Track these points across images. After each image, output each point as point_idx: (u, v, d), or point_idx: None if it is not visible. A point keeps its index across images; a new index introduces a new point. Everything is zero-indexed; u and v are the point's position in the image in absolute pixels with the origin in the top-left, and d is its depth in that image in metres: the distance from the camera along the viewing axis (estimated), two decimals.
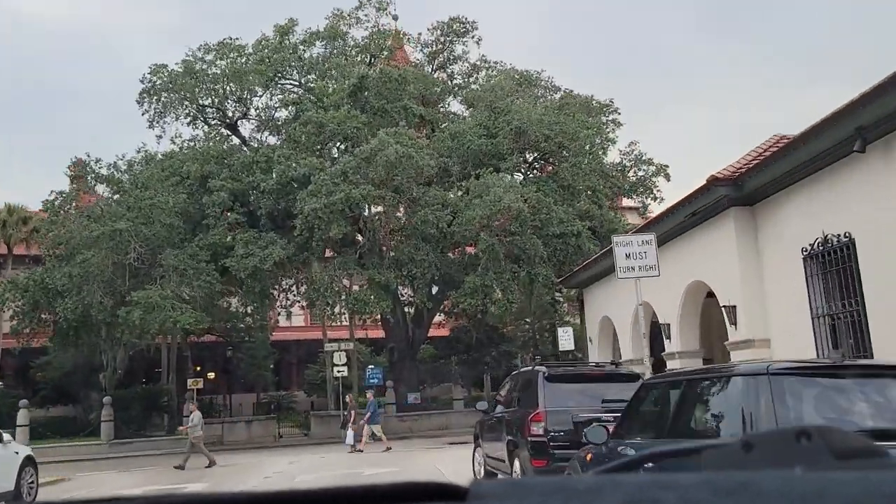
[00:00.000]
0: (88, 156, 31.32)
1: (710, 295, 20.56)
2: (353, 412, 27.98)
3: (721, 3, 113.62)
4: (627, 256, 15.43)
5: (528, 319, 45.59)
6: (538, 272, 28.63)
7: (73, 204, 31.21)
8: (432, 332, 41.77)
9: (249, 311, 50.35)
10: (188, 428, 23.57)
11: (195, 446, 23.17)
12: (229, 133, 35.69)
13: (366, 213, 29.38)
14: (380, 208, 28.42)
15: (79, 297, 27.36)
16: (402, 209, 28.92)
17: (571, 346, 22.46)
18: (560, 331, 22.44)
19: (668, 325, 20.79)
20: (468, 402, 40.09)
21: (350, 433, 26.96)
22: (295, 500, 0.77)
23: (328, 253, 30.95)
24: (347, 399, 30.48)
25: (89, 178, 30.68)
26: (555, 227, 29.18)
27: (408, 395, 38.14)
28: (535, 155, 32.92)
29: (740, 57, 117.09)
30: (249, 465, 23.91)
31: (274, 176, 29.27)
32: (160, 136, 33.91)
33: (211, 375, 50.89)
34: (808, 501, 0.65)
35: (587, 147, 32.02)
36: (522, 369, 13.16)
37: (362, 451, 25.90)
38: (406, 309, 35.71)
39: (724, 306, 17.20)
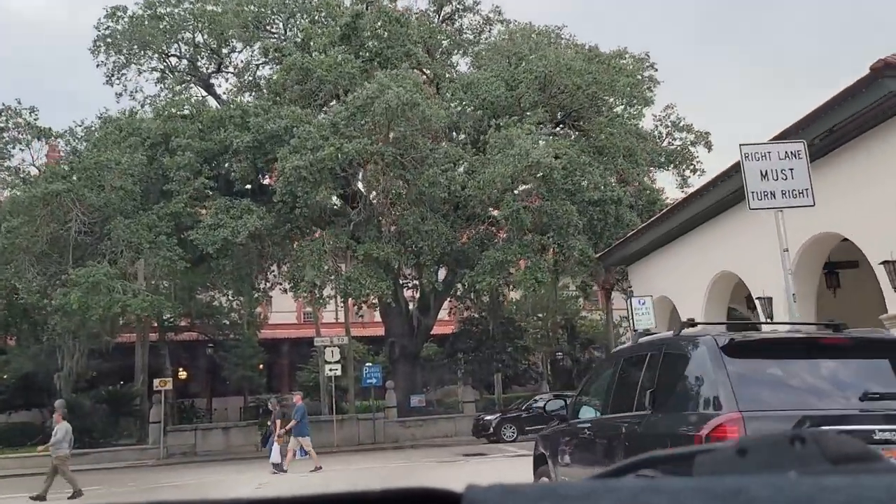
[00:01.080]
0: (19, 103, 25.35)
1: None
2: (277, 422, 21.24)
3: None
4: (763, 176, 9.62)
5: (540, 315, 39.79)
6: (573, 245, 22.84)
7: None
8: (435, 330, 36.01)
9: (235, 304, 44.95)
10: (50, 446, 17.26)
11: (59, 468, 16.88)
12: (204, 94, 29.87)
13: (361, 175, 23.38)
14: (378, 166, 22.60)
15: (2, 277, 21.53)
16: (405, 169, 23.12)
17: (651, 323, 16.61)
18: (635, 301, 16.57)
19: (769, 298, 15.01)
20: (480, 405, 34.28)
21: (275, 449, 20.52)
22: None
23: (316, 226, 25.06)
24: (270, 405, 23.52)
25: (11, 124, 24.67)
26: (590, 193, 23.42)
27: (410, 398, 32.35)
28: (562, 113, 27.05)
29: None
30: (201, 487, 18.02)
31: (250, 131, 23.46)
32: (120, 94, 28.07)
33: (183, 375, 45.01)
34: None
35: (624, 102, 26.26)
36: (649, 338, 6.95)
37: (286, 471, 19.94)
38: (410, 294, 29.83)
39: (887, 262, 11.43)
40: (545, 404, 7.21)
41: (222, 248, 22.56)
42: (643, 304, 15.96)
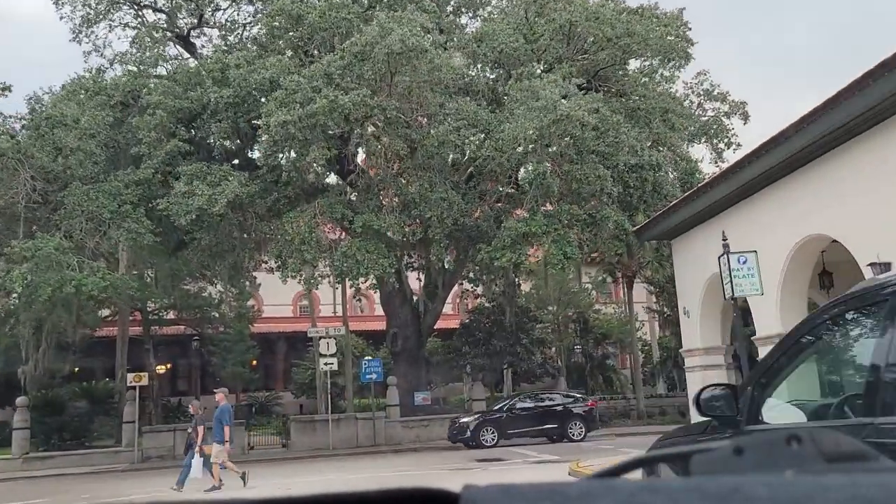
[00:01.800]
0: None
1: None
2: (200, 428, 16.47)
3: None
4: None
5: (551, 308, 36.21)
6: (606, 216, 19.26)
7: None
8: (439, 325, 32.47)
9: (225, 296, 41.40)
10: None
11: None
12: (184, 54, 26.22)
13: (358, 134, 19.68)
14: (379, 125, 18.95)
15: None
16: (410, 128, 19.48)
17: (757, 289, 12.61)
18: (734, 260, 12.46)
19: (886, 264, 11.43)
20: (490, 403, 30.67)
21: (197, 461, 15.97)
22: None
23: (307, 195, 21.37)
24: (192, 407, 18.15)
25: None
26: (626, 157, 19.84)
27: (414, 395, 28.78)
28: (588, 67, 23.35)
29: None
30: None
31: (230, 86, 19.88)
32: (89, 53, 24.46)
33: (169, 372, 41.48)
34: None
35: (660, 58, 22.66)
36: None
37: (219, 488, 15.64)
38: (415, 276, 26.27)
39: None
40: (700, 395, 4.00)
41: (197, 219, 18.97)
42: (744, 262, 12.13)
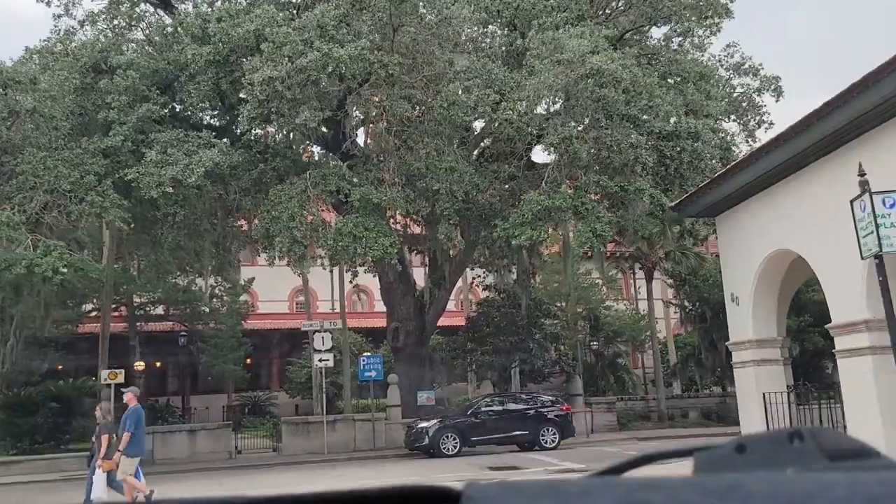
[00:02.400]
0: None
1: None
2: (104, 437, 12.39)
3: None
4: None
5: (561, 304, 33.54)
6: (641, 188, 16.58)
7: None
8: (442, 321, 29.85)
9: (220, 289, 38.76)
10: None
11: None
12: (167, 18, 23.52)
13: (357, 91, 16.90)
14: (380, 85, 16.23)
15: None
16: (416, 88, 16.80)
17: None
18: (878, 202, 9.47)
19: None
20: None
21: (99, 477, 12.16)
22: None
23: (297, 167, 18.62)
24: (98, 410, 13.40)
25: None
26: (661, 123, 17.19)
27: (417, 395, 26.12)
28: (612, 36, 20.65)
29: None
30: None
31: (211, 43, 17.21)
32: (59, 16, 21.71)
33: (157, 370, 38.80)
34: (797, 503, 0.65)
35: (695, 16, 19.98)
36: None
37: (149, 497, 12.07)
38: (417, 266, 23.64)
39: None
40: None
41: (171, 191, 16.32)
42: (893, 206, 9.11)
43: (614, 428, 27.65)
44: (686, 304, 30.75)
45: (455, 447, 21.28)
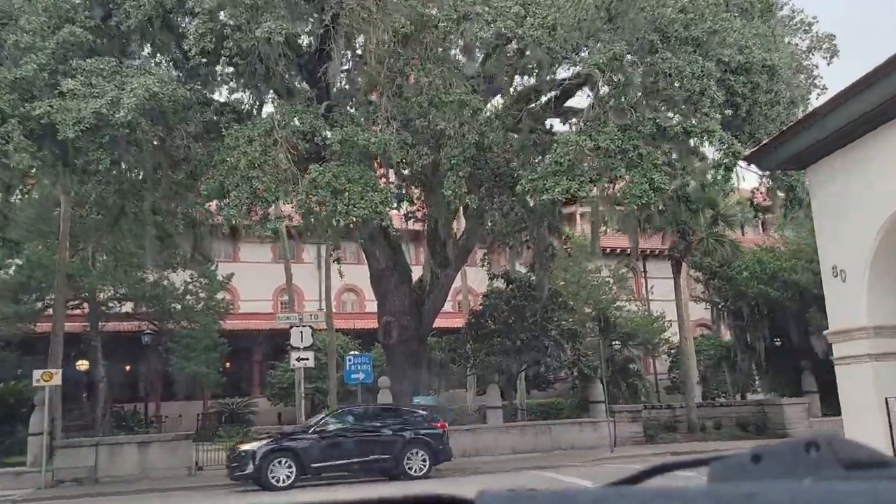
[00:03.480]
0: None
1: None
2: None
3: None
4: None
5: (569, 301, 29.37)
6: (711, 128, 12.47)
7: None
8: (438, 322, 25.72)
9: (193, 286, 34.48)
10: None
11: None
12: None
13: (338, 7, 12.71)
14: None
15: None
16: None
17: None
18: None
19: None
20: (508, 413, 23.81)
21: None
22: None
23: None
24: None
25: None
26: (729, 51, 13.14)
27: (414, 401, 21.95)
28: None
29: None
30: None
31: None
32: None
33: (124, 374, 34.43)
34: None
35: None
36: None
37: None
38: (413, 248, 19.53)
39: None
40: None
41: (94, 130, 12.18)
42: None
43: (640, 440, 23.51)
44: (717, 299, 26.63)
45: (289, 477, 16.04)
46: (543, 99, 14.40)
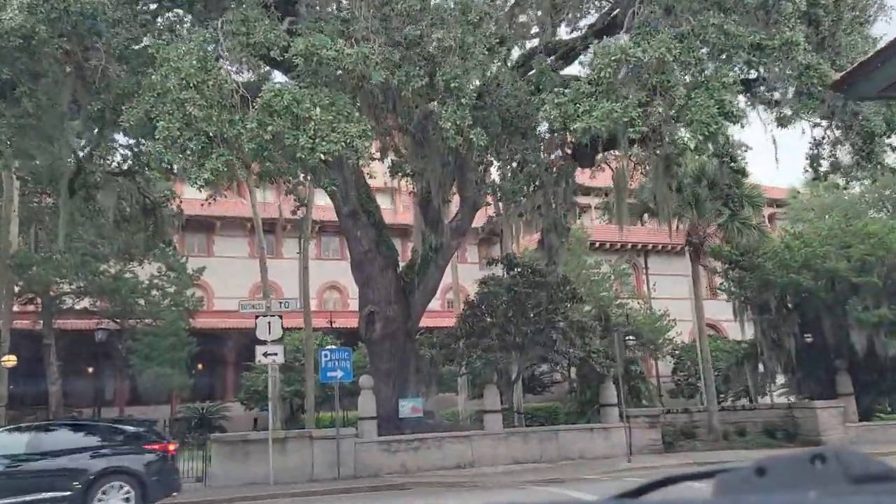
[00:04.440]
0: None
1: None
2: None
3: None
4: None
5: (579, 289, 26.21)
6: (794, 40, 9.34)
7: None
8: (424, 321, 22.55)
9: (160, 281, 31.13)
10: None
11: None
12: None
13: None
14: None
15: None
16: None
17: None
18: None
19: None
20: (507, 419, 20.57)
21: None
22: None
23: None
24: None
25: None
26: None
27: (400, 404, 18.73)
28: None
29: None
30: None
31: None
32: None
33: (83, 375, 30.94)
34: None
35: None
36: None
37: None
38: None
39: None
40: None
41: None
42: None
43: (658, 449, 20.36)
44: (738, 290, 23.50)
45: None
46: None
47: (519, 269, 19.47)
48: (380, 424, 18.43)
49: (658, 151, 13.07)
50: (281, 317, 17.54)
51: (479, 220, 22.12)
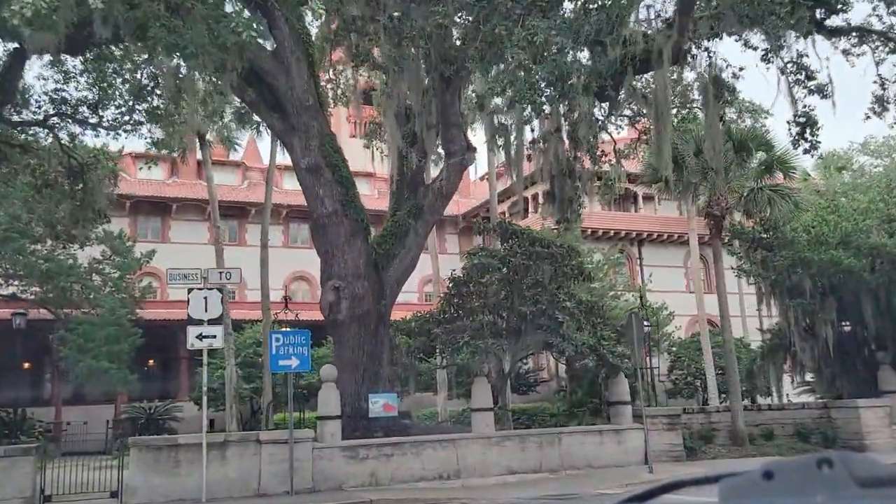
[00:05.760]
0: None
1: None
2: None
3: None
4: None
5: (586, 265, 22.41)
6: None
7: None
8: (398, 314, 18.79)
9: (103, 266, 27.06)
10: None
11: None
12: None
13: None
14: None
15: None
16: None
17: None
18: None
19: None
20: (497, 419, 16.86)
21: None
22: None
23: None
24: None
25: None
26: None
27: (370, 400, 15.00)
28: None
29: None
30: None
31: None
32: None
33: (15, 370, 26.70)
34: None
35: None
36: None
37: None
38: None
39: None
40: None
41: None
42: None
43: (679, 455, 16.78)
44: (760, 272, 19.97)
45: None
46: None
47: (516, 240, 15.80)
48: (345, 425, 14.73)
49: (705, 70, 9.53)
50: (221, 291, 13.72)
51: (462, 207, 18.26)
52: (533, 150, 13.42)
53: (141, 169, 34.61)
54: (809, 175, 37.69)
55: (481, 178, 34.87)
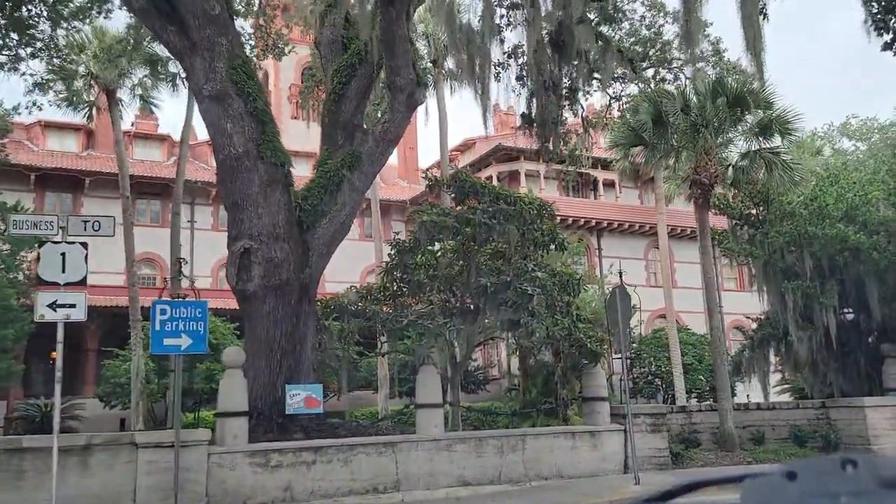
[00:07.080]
0: None
1: None
2: None
3: None
4: None
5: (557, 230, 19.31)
6: None
7: None
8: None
9: None
10: None
11: None
12: None
13: None
14: None
15: None
16: None
17: None
18: None
19: None
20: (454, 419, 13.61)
21: None
22: None
23: None
24: None
25: None
26: None
27: (287, 392, 11.65)
28: None
29: None
30: None
31: None
32: None
33: None
34: None
35: None
36: None
37: None
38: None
39: None
40: None
41: None
42: None
43: (664, 463, 13.80)
44: (745, 247, 17.14)
45: None
46: None
47: (476, 195, 12.57)
48: (254, 424, 11.32)
49: None
50: (85, 246, 10.18)
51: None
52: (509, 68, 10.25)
53: (50, 133, 30.34)
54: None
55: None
